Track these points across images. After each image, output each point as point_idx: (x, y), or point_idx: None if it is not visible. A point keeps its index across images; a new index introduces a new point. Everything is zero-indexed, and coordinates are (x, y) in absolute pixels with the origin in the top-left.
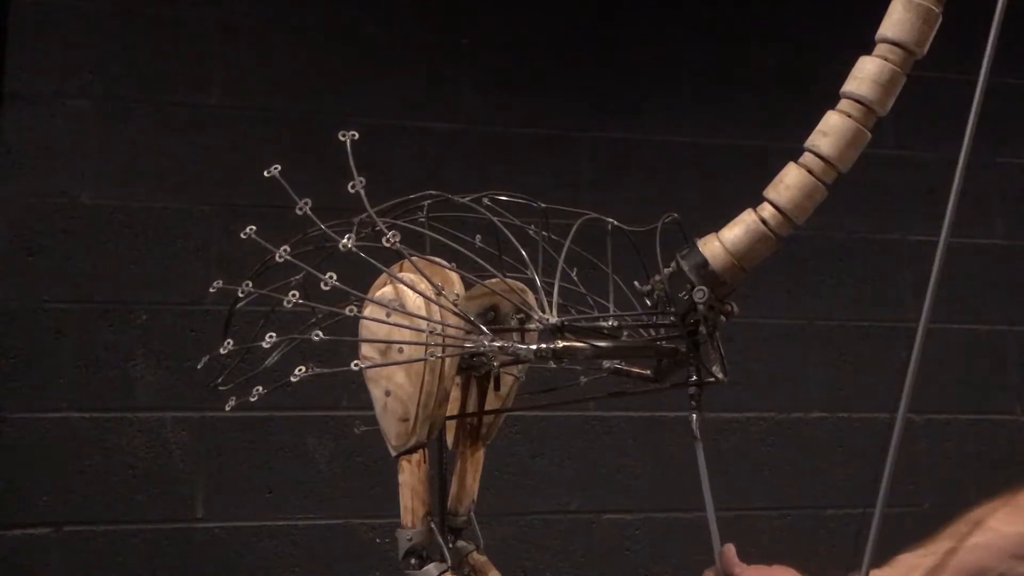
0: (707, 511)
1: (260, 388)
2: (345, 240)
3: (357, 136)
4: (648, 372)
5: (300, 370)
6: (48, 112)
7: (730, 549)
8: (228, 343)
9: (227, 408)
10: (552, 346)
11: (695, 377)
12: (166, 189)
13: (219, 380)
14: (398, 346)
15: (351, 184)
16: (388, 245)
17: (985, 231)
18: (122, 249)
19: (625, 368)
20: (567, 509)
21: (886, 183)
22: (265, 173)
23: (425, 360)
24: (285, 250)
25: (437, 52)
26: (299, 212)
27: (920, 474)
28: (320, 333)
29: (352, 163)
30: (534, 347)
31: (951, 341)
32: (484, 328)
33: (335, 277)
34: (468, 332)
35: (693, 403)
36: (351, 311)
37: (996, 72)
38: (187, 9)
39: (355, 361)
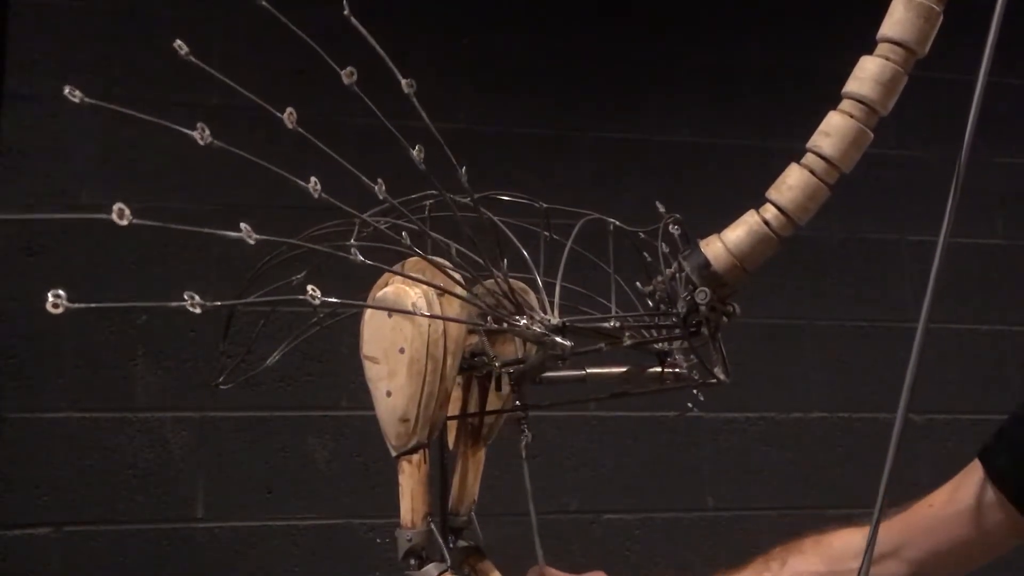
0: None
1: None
2: (353, 252)
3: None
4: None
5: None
6: (48, 112)
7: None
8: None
9: (218, 382)
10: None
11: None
12: (166, 189)
13: (220, 379)
14: (399, 346)
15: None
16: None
17: (985, 231)
18: (122, 249)
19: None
20: (567, 509)
21: (886, 183)
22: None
23: (484, 328)
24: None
25: (437, 52)
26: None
27: (920, 474)
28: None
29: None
30: (569, 343)
31: (951, 341)
32: (513, 305)
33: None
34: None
35: (523, 427)
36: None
37: (996, 72)
38: (187, 9)
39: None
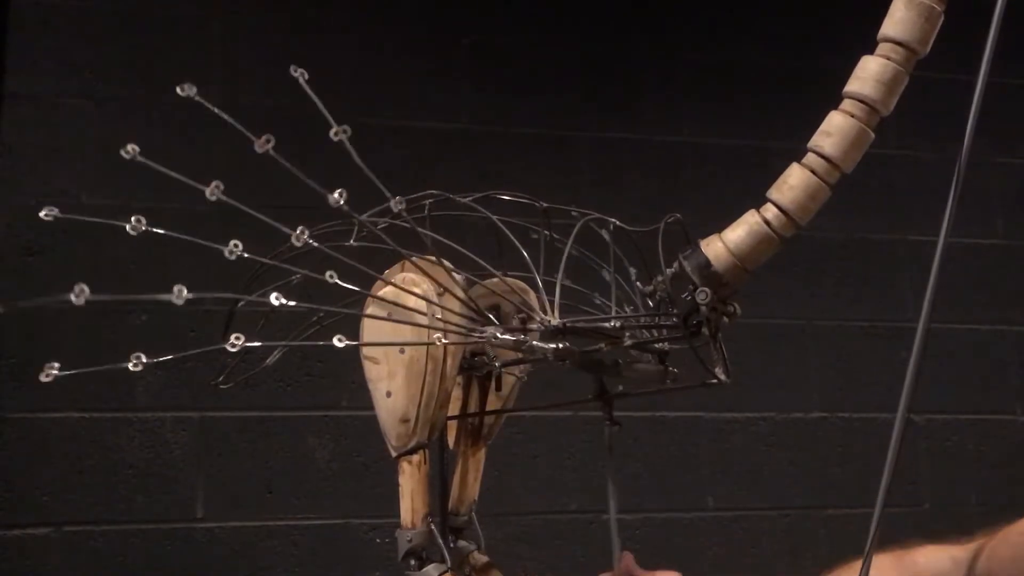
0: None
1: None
2: (351, 241)
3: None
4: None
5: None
6: (48, 112)
7: (629, 556)
8: (238, 338)
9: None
10: (565, 345)
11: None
12: (166, 189)
13: (220, 379)
14: (402, 342)
15: (337, 195)
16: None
17: (985, 231)
18: (122, 249)
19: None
20: (567, 509)
21: (886, 183)
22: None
23: (440, 345)
24: (302, 230)
25: (437, 52)
26: (337, 204)
27: (920, 474)
28: (343, 338)
29: (359, 162)
30: (551, 346)
31: (951, 341)
32: (495, 320)
33: (335, 276)
34: (472, 327)
35: (608, 419)
36: (330, 276)
37: (996, 72)
38: (187, 9)
39: (337, 336)
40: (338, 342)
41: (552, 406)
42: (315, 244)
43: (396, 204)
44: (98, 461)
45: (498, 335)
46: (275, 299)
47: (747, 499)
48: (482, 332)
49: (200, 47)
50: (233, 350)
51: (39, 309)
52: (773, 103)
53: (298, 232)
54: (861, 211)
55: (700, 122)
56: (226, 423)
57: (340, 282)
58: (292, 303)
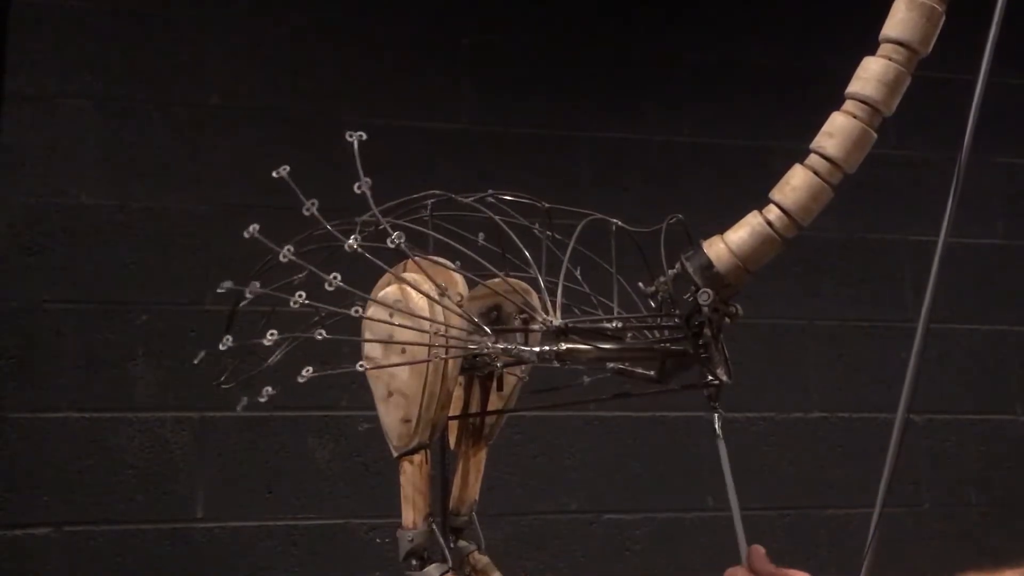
0: (732, 510)
1: (269, 388)
2: (351, 240)
3: (365, 137)
4: (651, 373)
5: (307, 371)
6: (48, 112)
7: (758, 551)
8: (228, 339)
9: (239, 409)
10: (556, 348)
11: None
12: (166, 189)
13: (222, 379)
14: (401, 347)
15: (357, 184)
16: (392, 246)
17: (985, 231)
18: (122, 249)
19: (628, 369)
20: (567, 509)
21: (886, 183)
22: (274, 174)
23: (428, 361)
24: (289, 249)
25: (437, 52)
26: (306, 213)
27: (920, 474)
28: (324, 332)
29: (359, 164)
30: (537, 349)
31: (951, 341)
32: (487, 329)
33: (339, 277)
34: (471, 332)
35: (713, 404)
36: (356, 311)
37: (996, 72)
38: (186, 9)
39: (360, 362)
40: (360, 367)
41: (553, 406)
42: (299, 261)
43: (308, 208)
44: (98, 461)
45: (490, 344)
46: (294, 302)
47: (747, 499)
48: (476, 343)
49: (200, 47)
50: (223, 348)
51: (39, 309)
52: (773, 103)
53: (286, 249)
54: (861, 211)
55: (700, 122)
56: (226, 423)
57: (344, 286)
58: (305, 300)
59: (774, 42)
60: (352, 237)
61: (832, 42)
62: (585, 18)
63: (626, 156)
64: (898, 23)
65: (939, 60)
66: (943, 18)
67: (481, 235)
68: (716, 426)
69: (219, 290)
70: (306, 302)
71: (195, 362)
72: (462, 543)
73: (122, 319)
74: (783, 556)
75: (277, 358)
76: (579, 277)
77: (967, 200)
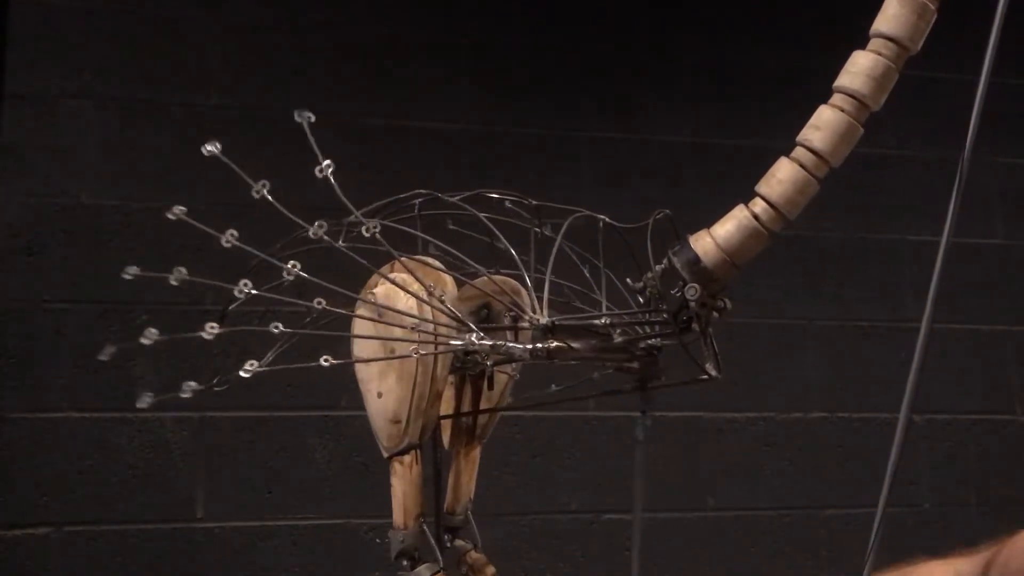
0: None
1: (254, 362)
2: (339, 243)
3: (313, 119)
4: (635, 365)
5: (251, 364)
6: (48, 112)
7: None
8: (212, 326)
9: (181, 395)
10: (546, 346)
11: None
12: (166, 189)
13: (215, 382)
14: (389, 347)
15: (318, 168)
16: (367, 234)
17: (985, 231)
18: (122, 249)
19: (625, 366)
20: (567, 509)
21: (886, 183)
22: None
23: (416, 357)
24: (294, 264)
25: (437, 52)
26: (255, 195)
27: (920, 474)
28: (280, 325)
29: (315, 145)
30: (528, 346)
31: (951, 341)
32: (474, 327)
33: (299, 266)
34: (459, 331)
35: (643, 410)
36: (319, 303)
37: (996, 72)
38: (186, 9)
39: (324, 356)
40: (324, 362)
41: (546, 405)
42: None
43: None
44: (98, 461)
45: (475, 340)
46: (287, 272)
47: (747, 499)
48: (462, 339)
49: (200, 47)
50: (209, 337)
51: (39, 309)
52: (773, 103)
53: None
54: (861, 211)
55: (700, 122)
56: (226, 423)
57: (333, 286)
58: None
59: (774, 43)
60: (340, 238)
61: (831, 42)
62: (585, 18)
63: (626, 156)
64: (889, 18)
65: (939, 60)
66: (935, 16)
67: (469, 233)
68: (638, 431)
69: (124, 275)
70: (292, 301)
71: (101, 358)
72: (458, 542)
73: (122, 319)
74: (783, 556)
75: (271, 358)
76: (569, 275)
77: (967, 200)
